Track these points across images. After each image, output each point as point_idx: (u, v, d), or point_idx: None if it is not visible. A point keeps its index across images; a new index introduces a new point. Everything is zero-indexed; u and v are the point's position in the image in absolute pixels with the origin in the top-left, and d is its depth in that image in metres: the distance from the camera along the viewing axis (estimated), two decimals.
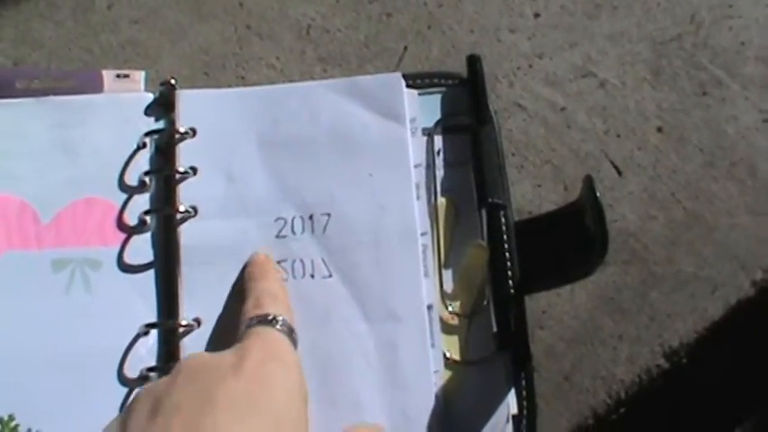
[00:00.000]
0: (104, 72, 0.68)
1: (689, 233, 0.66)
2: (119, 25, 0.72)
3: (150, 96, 0.67)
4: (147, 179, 0.65)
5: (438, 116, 0.67)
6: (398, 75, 0.66)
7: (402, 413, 0.59)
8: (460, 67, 0.68)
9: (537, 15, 0.72)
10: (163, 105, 0.67)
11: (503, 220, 0.64)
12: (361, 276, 0.62)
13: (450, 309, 0.62)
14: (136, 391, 0.56)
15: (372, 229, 0.63)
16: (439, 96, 0.68)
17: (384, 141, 0.64)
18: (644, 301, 0.65)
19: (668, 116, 0.69)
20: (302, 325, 0.60)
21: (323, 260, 0.62)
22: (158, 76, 0.69)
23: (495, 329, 0.62)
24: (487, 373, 0.61)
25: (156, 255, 0.63)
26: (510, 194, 0.65)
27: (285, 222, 0.63)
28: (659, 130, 0.69)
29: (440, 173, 0.66)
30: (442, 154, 0.66)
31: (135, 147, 0.66)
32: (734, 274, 0.66)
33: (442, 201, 0.65)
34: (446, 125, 0.67)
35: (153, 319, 0.62)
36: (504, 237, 0.63)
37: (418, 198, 0.64)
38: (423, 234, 0.63)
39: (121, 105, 0.67)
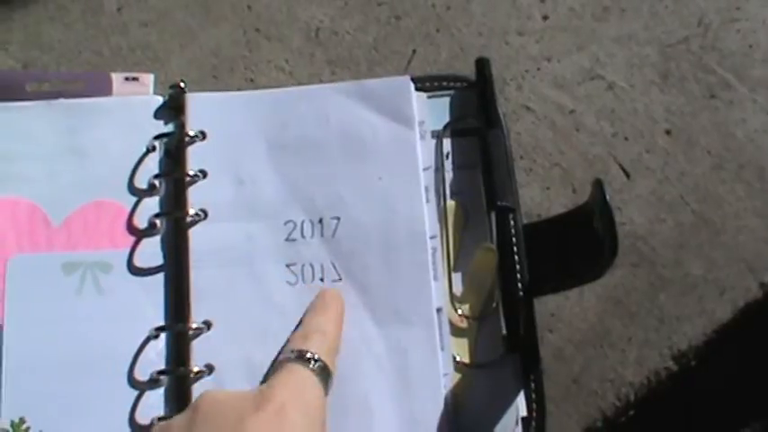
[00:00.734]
0: (113, 75, 0.69)
1: (697, 236, 0.66)
2: (128, 28, 0.72)
3: (159, 99, 0.67)
4: (156, 182, 0.65)
5: (447, 119, 0.67)
6: (407, 78, 0.66)
7: (411, 416, 0.59)
8: (469, 70, 0.68)
9: (545, 18, 0.72)
10: (172, 108, 0.67)
11: (512, 223, 0.64)
12: (371, 280, 0.62)
13: (459, 312, 0.62)
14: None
15: (382, 233, 0.63)
16: (447, 99, 0.68)
17: (393, 144, 0.64)
18: (652, 303, 0.65)
19: (676, 119, 0.69)
20: None
21: (333, 264, 0.62)
22: (167, 78, 0.69)
23: (504, 332, 0.62)
24: (497, 376, 0.61)
25: (165, 258, 0.64)
26: (519, 197, 0.65)
27: (295, 226, 0.63)
28: (668, 132, 0.69)
29: (449, 176, 0.66)
30: (450, 157, 0.66)
31: (144, 150, 0.66)
32: (742, 277, 0.66)
33: (451, 204, 0.65)
34: (455, 128, 0.67)
35: (162, 322, 0.62)
36: (513, 240, 0.63)
37: (427, 201, 0.64)
38: (432, 237, 0.63)
39: (131, 108, 0.67)
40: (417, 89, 0.67)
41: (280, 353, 0.58)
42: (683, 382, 0.64)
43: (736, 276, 0.66)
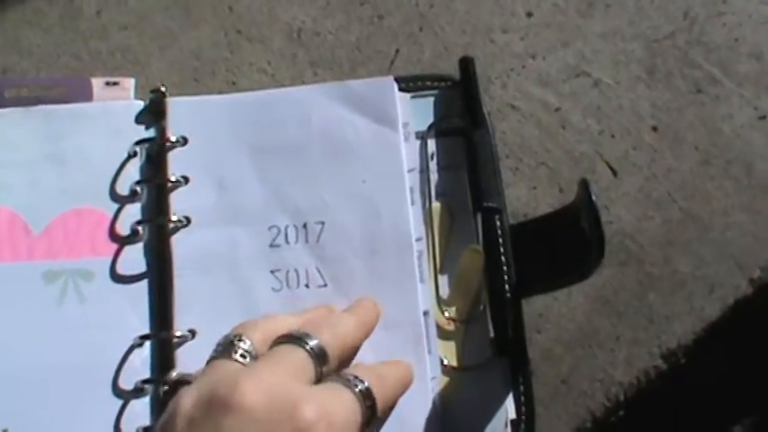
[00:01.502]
0: (94, 80, 0.68)
1: (685, 233, 0.66)
2: (108, 31, 0.71)
3: (140, 104, 0.67)
4: (138, 188, 0.64)
5: (431, 119, 0.67)
6: (391, 78, 0.66)
7: (400, 421, 0.58)
8: (453, 69, 0.67)
9: (529, 15, 0.72)
10: (153, 113, 0.67)
11: (498, 223, 0.63)
12: (357, 284, 0.61)
13: (446, 314, 0.62)
14: None
15: (367, 237, 0.62)
16: (431, 99, 0.67)
17: (377, 146, 0.64)
18: (641, 302, 0.65)
19: (663, 115, 0.69)
20: None
21: (317, 269, 0.62)
22: (148, 82, 0.69)
23: (492, 334, 0.61)
24: (485, 379, 0.61)
25: (148, 265, 0.63)
26: (505, 197, 0.65)
27: (279, 231, 0.63)
28: (654, 129, 0.68)
29: (434, 177, 0.65)
30: (435, 158, 0.66)
31: (126, 156, 0.65)
32: (731, 274, 0.65)
33: (436, 205, 0.64)
34: (439, 128, 0.66)
35: (147, 329, 0.62)
36: (500, 241, 0.63)
37: (413, 203, 0.63)
38: (418, 239, 0.62)
39: (111, 114, 0.67)
40: (401, 89, 0.66)
41: None
42: (672, 380, 0.63)
43: (724, 273, 0.65)
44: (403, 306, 0.60)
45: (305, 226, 0.62)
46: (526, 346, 0.62)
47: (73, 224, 0.63)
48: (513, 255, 0.62)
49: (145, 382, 0.60)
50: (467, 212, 0.64)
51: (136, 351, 0.61)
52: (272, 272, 0.62)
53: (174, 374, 0.60)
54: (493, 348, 0.61)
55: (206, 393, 0.48)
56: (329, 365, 0.53)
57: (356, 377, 0.52)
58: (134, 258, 0.63)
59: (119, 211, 0.64)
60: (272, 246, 0.62)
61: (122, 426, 0.59)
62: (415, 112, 0.66)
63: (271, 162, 0.64)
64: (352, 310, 0.59)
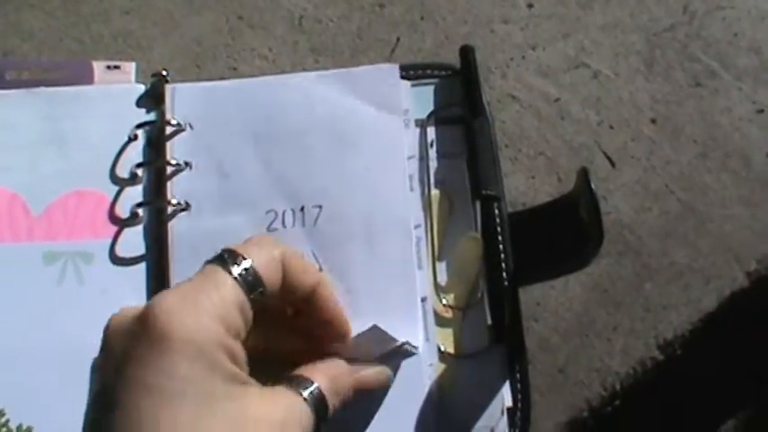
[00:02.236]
0: (95, 63, 0.68)
1: (683, 225, 0.66)
2: (110, 15, 0.71)
3: (141, 88, 0.67)
4: (138, 171, 0.64)
5: (431, 107, 0.67)
6: (394, 66, 0.66)
7: (396, 408, 0.58)
8: (453, 58, 0.68)
9: (530, 6, 0.72)
10: (154, 97, 0.67)
11: (497, 212, 0.63)
12: (354, 269, 0.61)
13: (444, 302, 0.62)
14: None
15: (365, 222, 0.62)
16: (432, 88, 0.68)
17: (378, 133, 0.64)
18: (638, 293, 0.65)
19: (662, 107, 0.69)
20: None
21: (313, 253, 0.62)
22: (149, 67, 0.69)
23: (489, 322, 0.61)
24: (482, 366, 0.61)
25: (147, 248, 0.63)
26: (503, 186, 0.65)
27: (276, 215, 0.63)
28: (653, 121, 0.68)
29: (433, 164, 0.65)
30: (435, 145, 0.66)
31: (126, 139, 0.65)
32: (728, 266, 0.66)
33: (435, 193, 0.64)
34: (439, 116, 0.67)
35: None
36: (499, 229, 0.63)
37: (412, 190, 0.63)
38: (416, 226, 0.63)
39: (112, 97, 0.67)
40: (402, 77, 0.66)
41: None
42: (668, 371, 0.64)
43: (721, 265, 0.65)
44: (400, 292, 0.60)
45: (302, 209, 0.62)
46: (523, 335, 0.62)
47: (73, 206, 0.63)
48: (512, 243, 0.63)
49: None
50: (465, 200, 0.64)
51: None
52: None
53: None
54: (490, 336, 0.61)
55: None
56: None
57: (307, 379, 0.51)
58: (133, 241, 0.63)
59: (119, 193, 0.64)
60: (269, 230, 0.62)
61: None
62: (416, 100, 0.66)
63: (271, 147, 0.64)
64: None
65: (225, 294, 0.47)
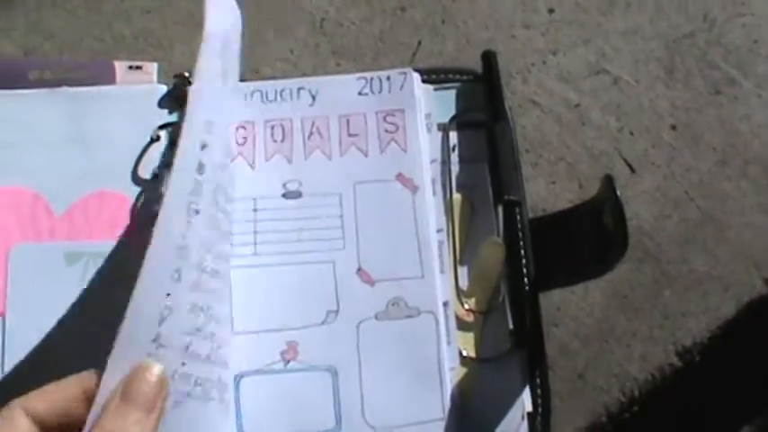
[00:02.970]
0: (117, 63, 0.68)
1: (702, 232, 0.66)
2: (131, 15, 0.71)
3: (164, 89, 0.67)
4: (160, 172, 0.64)
5: (453, 112, 0.67)
6: (411, 70, 0.66)
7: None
8: (474, 63, 0.68)
9: (551, 11, 0.72)
10: (175, 98, 0.66)
11: (518, 217, 0.63)
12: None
13: (466, 306, 0.62)
14: None
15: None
16: (453, 92, 0.68)
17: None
18: (657, 299, 0.65)
19: (682, 114, 0.69)
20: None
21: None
22: (171, 67, 0.69)
23: (510, 327, 0.61)
24: (502, 371, 0.61)
25: None
26: (525, 191, 0.65)
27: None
28: (673, 128, 0.69)
29: (455, 169, 0.65)
30: (456, 150, 0.66)
31: (149, 139, 0.65)
32: (747, 273, 0.66)
33: (457, 197, 0.64)
34: (461, 121, 0.67)
35: None
36: (520, 234, 0.63)
37: (434, 194, 0.63)
38: (438, 230, 0.63)
39: (134, 97, 0.67)
40: (424, 81, 0.66)
41: None
42: (686, 377, 0.64)
43: (740, 273, 0.66)
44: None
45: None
46: (544, 340, 0.62)
47: (95, 207, 0.63)
48: (533, 248, 0.63)
49: None
50: (487, 205, 0.64)
51: None
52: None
53: None
54: (511, 340, 0.61)
55: None
56: None
57: None
58: None
59: (140, 194, 0.64)
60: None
61: None
62: (438, 104, 0.66)
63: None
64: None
65: None
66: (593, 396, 0.64)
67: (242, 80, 0.68)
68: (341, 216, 0.63)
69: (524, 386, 0.61)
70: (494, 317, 0.63)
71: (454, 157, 0.66)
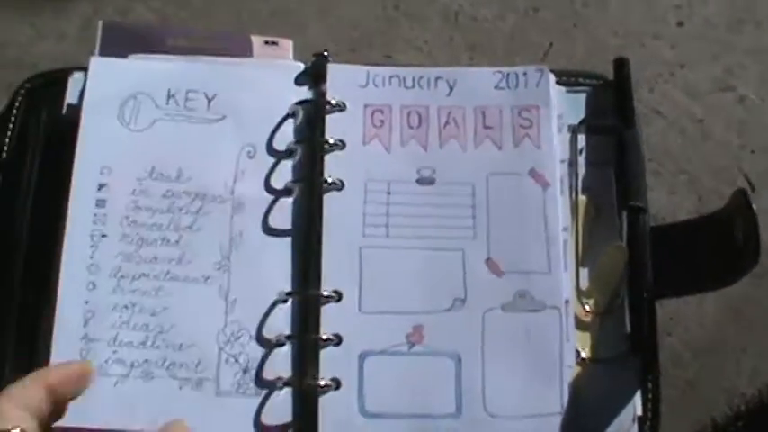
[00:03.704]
0: (253, 37, 0.69)
1: None
2: None
3: (301, 66, 0.68)
4: (295, 147, 0.65)
5: (581, 115, 0.68)
6: (547, 69, 0.67)
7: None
8: (603, 68, 0.68)
9: (680, 24, 0.73)
10: (312, 76, 0.67)
11: (642, 223, 0.64)
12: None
13: (586, 307, 0.63)
14: None
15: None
16: (583, 96, 0.68)
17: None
18: None
19: None
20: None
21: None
22: (304, 47, 0.69)
23: (628, 330, 0.62)
24: (616, 373, 0.62)
25: (297, 222, 0.64)
26: (647, 199, 0.66)
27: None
28: None
29: (581, 171, 0.66)
30: (584, 152, 0.67)
31: (284, 114, 0.66)
32: None
33: (582, 198, 0.65)
34: (590, 125, 0.67)
35: (288, 285, 0.62)
36: (643, 241, 0.63)
37: (561, 193, 0.64)
38: (564, 229, 0.63)
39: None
40: (556, 82, 0.67)
41: None
42: None
43: None
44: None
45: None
46: (657, 347, 0.62)
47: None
48: (653, 255, 0.63)
49: (287, 337, 0.61)
50: (610, 209, 0.65)
51: (279, 306, 0.62)
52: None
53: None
54: (627, 344, 0.62)
55: None
56: None
57: None
58: (285, 214, 0.64)
59: (274, 166, 0.65)
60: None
61: (264, 375, 0.60)
62: (568, 107, 0.67)
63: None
64: None
65: None
66: (700, 407, 0.65)
67: (376, 65, 0.69)
68: (473, 206, 0.64)
69: (636, 390, 0.62)
70: (611, 319, 0.63)
71: (581, 159, 0.67)
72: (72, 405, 0.54)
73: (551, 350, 0.60)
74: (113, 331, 0.61)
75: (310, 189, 0.64)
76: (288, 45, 0.69)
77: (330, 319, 0.61)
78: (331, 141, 0.65)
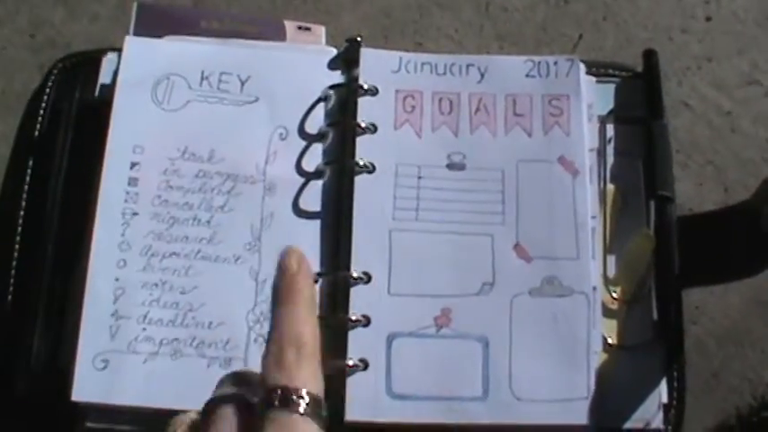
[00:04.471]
0: (287, 22, 0.70)
1: None
2: None
3: (333, 51, 0.68)
4: (327, 130, 0.66)
5: (610, 105, 0.68)
6: (578, 59, 0.67)
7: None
8: (632, 61, 0.69)
9: (708, 19, 0.73)
10: (345, 61, 0.68)
11: (670, 213, 0.65)
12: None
13: (613, 294, 0.63)
14: None
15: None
16: (612, 87, 0.69)
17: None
18: None
19: None
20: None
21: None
22: (337, 33, 0.70)
23: (655, 318, 0.62)
24: (641, 360, 0.62)
25: (327, 204, 0.64)
26: (675, 190, 0.66)
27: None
28: None
29: (609, 160, 0.67)
30: (613, 142, 0.67)
31: (317, 98, 0.66)
32: None
33: (610, 187, 0.66)
34: (618, 115, 0.68)
35: (317, 267, 0.62)
36: (671, 230, 0.64)
37: (590, 182, 0.65)
38: (592, 217, 0.64)
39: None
40: (586, 73, 0.68)
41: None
42: None
43: None
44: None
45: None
46: (683, 335, 0.63)
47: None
48: (679, 245, 0.64)
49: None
50: (638, 199, 0.66)
51: None
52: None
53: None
54: (653, 332, 0.62)
55: None
56: None
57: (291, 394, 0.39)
58: (315, 195, 0.64)
59: (305, 149, 0.65)
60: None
61: None
62: (597, 97, 0.68)
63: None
64: (293, 293, 0.44)
65: None
66: (724, 396, 0.65)
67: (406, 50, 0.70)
68: (502, 191, 0.65)
69: (662, 377, 0.62)
70: (637, 307, 0.64)
71: (609, 149, 0.67)
72: (100, 382, 0.57)
73: (579, 336, 0.61)
74: (143, 309, 0.61)
75: (341, 171, 0.65)
76: (320, 31, 0.70)
77: (359, 301, 0.62)
78: (363, 125, 0.65)
